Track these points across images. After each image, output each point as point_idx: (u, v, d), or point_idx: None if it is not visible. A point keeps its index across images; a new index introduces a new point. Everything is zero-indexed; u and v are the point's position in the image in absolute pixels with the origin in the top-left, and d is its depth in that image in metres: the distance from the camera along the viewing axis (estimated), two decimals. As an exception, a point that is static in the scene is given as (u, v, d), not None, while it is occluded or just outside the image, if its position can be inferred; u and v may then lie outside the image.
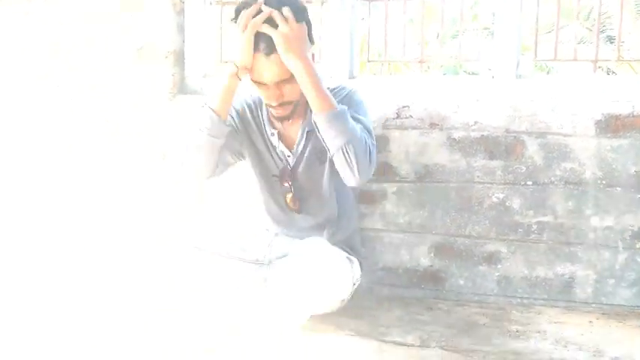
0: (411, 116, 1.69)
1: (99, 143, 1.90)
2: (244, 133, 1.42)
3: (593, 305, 1.60)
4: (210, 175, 1.35)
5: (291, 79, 1.22)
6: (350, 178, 1.24)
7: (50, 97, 1.92)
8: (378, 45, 1.94)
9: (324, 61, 1.81)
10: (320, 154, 1.35)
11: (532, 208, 1.64)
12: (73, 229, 1.91)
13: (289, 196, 1.41)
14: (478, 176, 1.66)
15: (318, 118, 1.21)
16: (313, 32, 1.29)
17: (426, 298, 1.62)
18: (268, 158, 1.43)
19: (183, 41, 1.88)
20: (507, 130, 1.64)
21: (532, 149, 1.63)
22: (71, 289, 1.66)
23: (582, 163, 1.60)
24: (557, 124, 1.61)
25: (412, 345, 1.27)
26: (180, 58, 1.87)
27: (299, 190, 1.41)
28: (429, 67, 10.20)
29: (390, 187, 1.70)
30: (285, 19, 1.17)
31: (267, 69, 1.21)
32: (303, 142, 1.38)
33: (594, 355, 1.25)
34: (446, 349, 1.26)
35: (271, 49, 1.19)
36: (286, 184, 1.41)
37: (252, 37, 1.18)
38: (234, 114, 1.41)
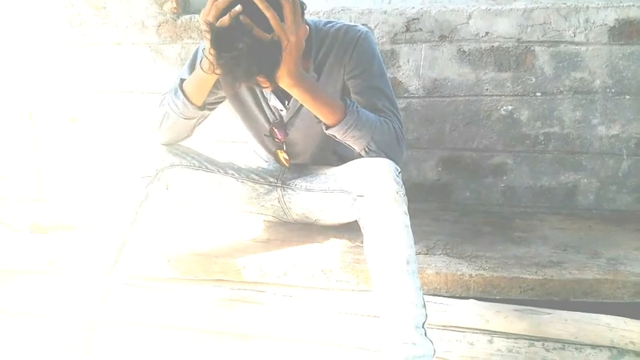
0: (420, 29, 1.66)
1: (103, 73, 1.89)
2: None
3: (594, 211, 1.67)
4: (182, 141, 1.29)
5: None
6: None
7: (48, 27, 1.90)
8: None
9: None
10: None
11: (539, 119, 1.65)
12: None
13: (280, 152, 1.35)
14: (487, 89, 1.66)
15: (333, 131, 1.13)
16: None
17: (432, 210, 1.70)
18: (257, 112, 1.33)
19: (183, -44, 1.81)
20: (518, 40, 1.61)
21: (542, 59, 1.61)
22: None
23: (592, 72, 1.59)
24: (569, 32, 1.58)
25: (419, 253, 1.35)
26: (181, -25, 1.81)
27: (292, 146, 1.35)
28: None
29: (399, 104, 1.70)
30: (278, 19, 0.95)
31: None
32: None
33: (592, 257, 1.33)
34: (451, 256, 1.35)
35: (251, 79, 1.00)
36: (277, 141, 1.33)
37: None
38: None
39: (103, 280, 1.14)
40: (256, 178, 1.37)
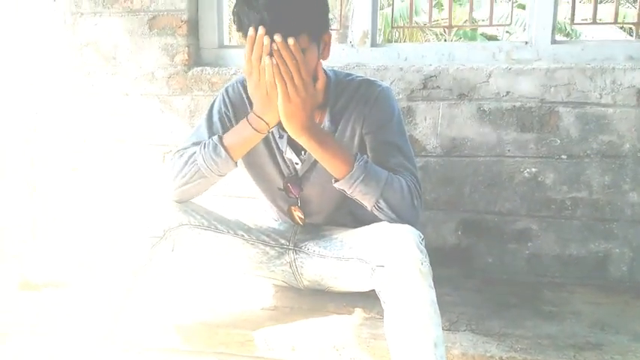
0: (438, 87, 1.61)
1: (109, 123, 1.84)
2: None
3: (627, 284, 1.55)
4: None
5: (305, 49, 1.01)
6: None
7: (56, 76, 1.86)
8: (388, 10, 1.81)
9: (346, 29, 1.71)
10: None
11: (566, 183, 1.56)
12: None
13: (294, 208, 1.27)
14: (509, 150, 1.58)
15: (340, 184, 1.08)
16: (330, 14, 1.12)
17: (453, 278, 1.57)
18: (271, 165, 1.26)
19: (197, 10, 1.79)
20: (542, 101, 1.55)
21: (568, 121, 1.54)
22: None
23: (621, 135, 1.52)
24: (595, 94, 1.52)
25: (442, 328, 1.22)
26: (194, 27, 1.78)
27: (306, 204, 1.28)
28: (442, 33, 9.79)
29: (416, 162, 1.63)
30: (297, 85, 0.98)
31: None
32: None
33: (634, 339, 1.20)
34: (477, 333, 1.22)
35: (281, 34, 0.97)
36: (292, 196, 1.26)
37: (273, 90, 0.99)
38: (229, 110, 1.21)
39: (99, 346, 1.04)
40: (267, 239, 1.28)
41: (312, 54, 1.04)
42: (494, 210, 1.61)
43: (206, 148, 1.12)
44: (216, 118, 1.22)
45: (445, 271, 1.62)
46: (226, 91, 1.25)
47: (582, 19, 1.58)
